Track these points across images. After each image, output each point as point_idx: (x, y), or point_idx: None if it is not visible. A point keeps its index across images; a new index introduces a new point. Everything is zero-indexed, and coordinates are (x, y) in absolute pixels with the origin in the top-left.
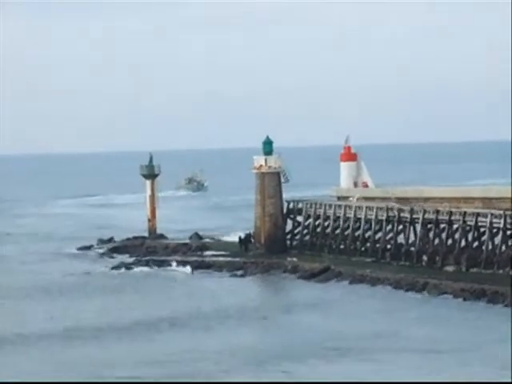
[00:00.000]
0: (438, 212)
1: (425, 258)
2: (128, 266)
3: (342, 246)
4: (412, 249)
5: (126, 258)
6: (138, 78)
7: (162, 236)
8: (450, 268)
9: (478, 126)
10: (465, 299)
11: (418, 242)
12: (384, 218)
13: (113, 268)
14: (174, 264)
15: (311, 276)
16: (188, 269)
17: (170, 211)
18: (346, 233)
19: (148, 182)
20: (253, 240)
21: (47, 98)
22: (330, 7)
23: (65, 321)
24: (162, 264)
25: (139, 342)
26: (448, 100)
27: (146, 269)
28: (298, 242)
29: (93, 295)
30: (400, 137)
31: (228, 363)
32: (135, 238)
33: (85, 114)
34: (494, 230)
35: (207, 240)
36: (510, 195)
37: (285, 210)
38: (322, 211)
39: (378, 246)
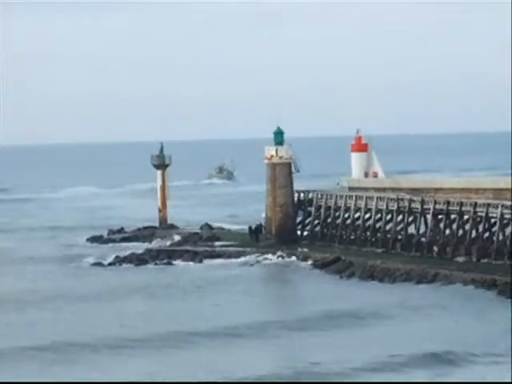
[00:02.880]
0: (448, 203)
1: (435, 248)
2: (139, 258)
3: (352, 237)
4: (423, 239)
5: (138, 249)
6: (152, 73)
7: (172, 226)
8: (460, 259)
9: (483, 117)
10: (475, 289)
11: (428, 232)
12: (395, 208)
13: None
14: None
15: (322, 266)
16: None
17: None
18: (357, 223)
19: (159, 172)
20: (264, 230)
21: (51, 93)
22: (339, 6)
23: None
24: (173, 255)
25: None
26: (454, 93)
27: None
28: (308, 233)
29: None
30: (409, 128)
31: None
32: (145, 228)
33: (92, 108)
34: (505, 221)
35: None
36: None
37: (296, 201)
38: (332, 202)
39: (388, 236)
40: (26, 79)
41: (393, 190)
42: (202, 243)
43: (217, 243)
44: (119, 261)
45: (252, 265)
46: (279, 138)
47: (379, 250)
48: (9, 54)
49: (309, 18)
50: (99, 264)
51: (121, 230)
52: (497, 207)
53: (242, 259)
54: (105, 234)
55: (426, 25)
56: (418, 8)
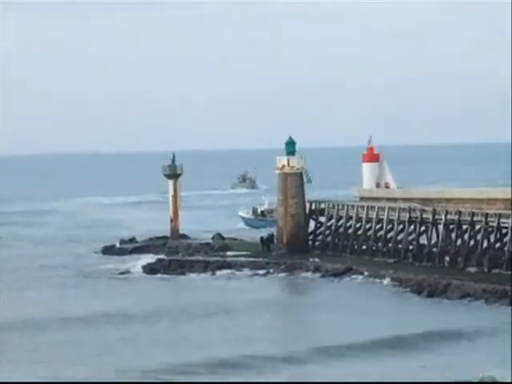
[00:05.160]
0: (460, 213)
1: (447, 258)
2: (151, 268)
3: (364, 247)
4: (434, 250)
5: (150, 259)
6: (148, 77)
7: (184, 236)
8: (472, 269)
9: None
10: (486, 300)
11: (440, 242)
12: (406, 218)
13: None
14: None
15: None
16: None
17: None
18: (369, 233)
19: (170, 182)
20: (275, 240)
21: (51, 93)
22: (339, 6)
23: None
24: (185, 265)
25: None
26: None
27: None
28: (320, 243)
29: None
30: (422, 138)
31: None
32: (157, 238)
33: (95, 115)
34: None
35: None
36: None
37: (307, 211)
38: (344, 212)
39: (400, 246)
40: (26, 79)
41: (404, 200)
42: (214, 253)
43: (228, 253)
44: (131, 270)
45: (263, 275)
46: (291, 147)
47: (391, 260)
48: (9, 54)
49: (309, 17)
50: (111, 273)
51: (132, 240)
52: (508, 217)
53: (254, 271)
54: (117, 243)
55: (425, 25)
56: (419, 8)
